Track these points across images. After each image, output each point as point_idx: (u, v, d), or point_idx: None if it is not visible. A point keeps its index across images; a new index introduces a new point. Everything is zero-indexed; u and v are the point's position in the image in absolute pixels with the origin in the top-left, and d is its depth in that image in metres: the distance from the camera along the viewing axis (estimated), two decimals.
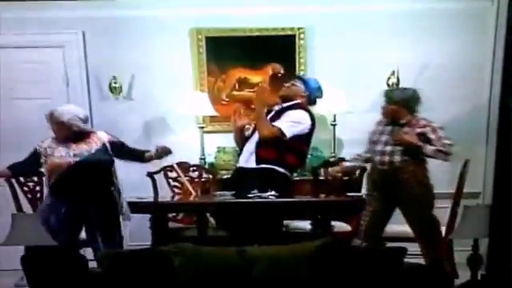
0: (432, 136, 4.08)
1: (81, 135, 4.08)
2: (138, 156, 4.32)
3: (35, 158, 4.06)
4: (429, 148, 4.05)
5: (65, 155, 4.00)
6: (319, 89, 4.49)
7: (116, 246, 4.12)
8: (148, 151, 4.33)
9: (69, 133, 4.05)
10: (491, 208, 3.58)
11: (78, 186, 4.01)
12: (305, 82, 4.48)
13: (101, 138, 4.15)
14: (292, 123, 4.28)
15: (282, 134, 4.22)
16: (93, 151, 4.05)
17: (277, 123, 4.28)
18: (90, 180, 4.03)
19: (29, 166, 4.13)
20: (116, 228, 4.17)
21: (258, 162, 4.27)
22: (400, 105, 4.18)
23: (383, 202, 4.24)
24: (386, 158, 4.15)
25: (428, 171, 4.21)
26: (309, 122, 4.33)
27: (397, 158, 4.13)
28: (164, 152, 4.32)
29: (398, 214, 4.36)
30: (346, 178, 4.70)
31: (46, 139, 4.09)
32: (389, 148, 4.15)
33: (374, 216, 4.25)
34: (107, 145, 4.14)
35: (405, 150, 4.10)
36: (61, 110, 4.06)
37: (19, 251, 3.71)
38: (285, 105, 4.41)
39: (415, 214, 4.18)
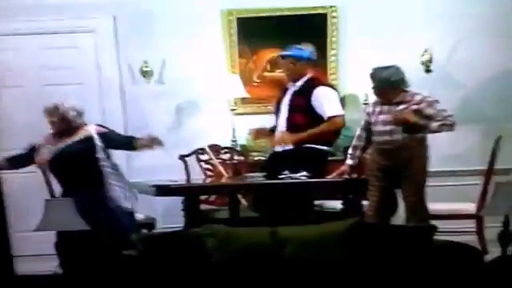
0: (430, 111, 3.96)
1: (73, 129, 4.08)
2: (126, 143, 4.19)
3: (31, 152, 4.06)
4: (433, 125, 3.94)
5: (47, 152, 4.01)
6: (310, 52, 4.49)
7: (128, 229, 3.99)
8: (137, 138, 4.15)
9: (66, 127, 4.07)
10: None
11: (63, 179, 4.04)
12: (292, 55, 4.46)
13: (87, 130, 4.10)
14: (331, 102, 4.37)
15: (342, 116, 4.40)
16: (69, 144, 4.04)
17: (320, 109, 4.31)
18: (70, 172, 4.01)
19: (24, 161, 4.12)
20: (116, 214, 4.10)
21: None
22: (385, 85, 4.05)
23: (385, 185, 4.11)
24: (387, 138, 4.03)
25: (428, 146, 4.10)
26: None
27: (398, 137, 4.00)
28: (154, 142, 4.12)
29: (429, 193, 4.28)
30: None
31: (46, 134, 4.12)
32: (388, 127, 4.03)
33: (379, 204, 4.13)
34: (94, 137, 4.06)
35: (405, 128, 3.98)
36: (67, 105, 4.06)
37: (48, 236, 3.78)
38: (299, 83, 4.41)
39: (414, 189, 4.06)
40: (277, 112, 4.57)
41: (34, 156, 4.02)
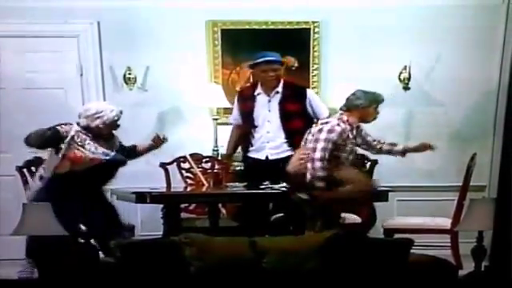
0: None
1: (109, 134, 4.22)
2: (132, 152, 4.41)
3: (55, 137, 4.04)
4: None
5: (95, 151, 4.08)
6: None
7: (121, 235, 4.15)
8: (136, 145, 4.46)
9: (108, 132, 4.18)
10: (496, 201, 3.58)
11: (95, 180, 4.11)
12: (276, 60, 4.51)
13: (117, 139, 4.29)
14: (321, 102, 4.58)
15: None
16: (114, 151, 4.19)
17: (318, 110, 4.41)
18: (106, 177, 4.19)
19: (45, 142, 4.06)
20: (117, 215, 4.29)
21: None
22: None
23: None
24: None
25: None
26: None
27: None
28: (160, 141, 4.43)
29: (404, 207, 4.37)
30: None
31: (70, 124, 4.10)
32: None
33: None
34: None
35: None
36: (116, 111, 4.17)
37: (21, 241, 3.75)
38: (279, 89, 4.48)
39: None
40: (250, 123, 4.54)
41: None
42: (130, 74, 5.36)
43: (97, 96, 5.38)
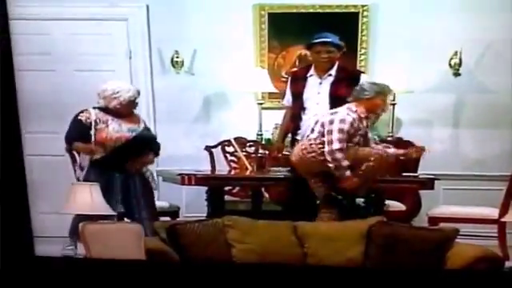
0: None
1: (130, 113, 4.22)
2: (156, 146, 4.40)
3: (82, 128, 4.11)
4: None
5: (119, 130, 4.11)
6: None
7: (154, 215, 4.21)
8: None
9: (127, 111, 4.17)
10: None
11: (129, 159, 4.11)
12: (334, 42, 4.36)
13: (140, 118, 4.32)
14: None
15: None
16: (141, 128, 4.21)
17: None
18: (139, 154, 4.16)
19: (75, 137, 4.15)
20: (153, 197, 4.32)
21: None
22: None
23: None
24: None
25: None
26: None
27: None
28: None
29: (451, 196, 4.29)
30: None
31: (86, 111, 4.15)
32: None
33: None
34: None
35: None
36: (132, 90, 4.19)
37: (67, 219, 3.84)
38: (333, 72, 4.36)
39: None
40: (300, 105, 4.44)
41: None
42: (177, 57, 5.41)
43: (145, 79, 5.45)
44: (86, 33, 5.39)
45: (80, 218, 3.67)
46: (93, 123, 4.10)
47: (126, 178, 4.12)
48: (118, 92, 4.13)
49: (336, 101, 4.25)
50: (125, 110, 4.17)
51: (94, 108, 4.18)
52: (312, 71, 4.42)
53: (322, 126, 3.92)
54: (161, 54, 5.49)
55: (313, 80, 4.39)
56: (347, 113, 3.91)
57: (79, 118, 4.13)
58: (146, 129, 4.30)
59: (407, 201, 4.61)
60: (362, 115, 3.95)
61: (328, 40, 4.32)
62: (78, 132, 4.13)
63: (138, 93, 4.26)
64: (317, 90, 4.36)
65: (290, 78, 4.64)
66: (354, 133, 3.90)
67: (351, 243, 3.45)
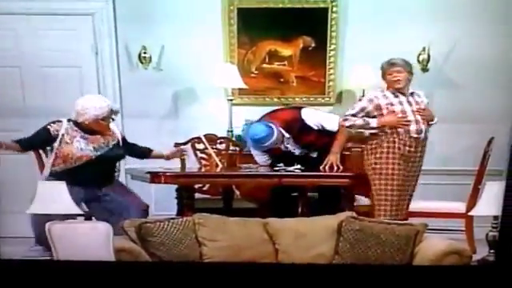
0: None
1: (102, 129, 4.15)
2: (144, 153, 4.45)
3: (47, 138, 4.04)
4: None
5: (84, 148, 4.04)
6: None
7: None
8: (152, 150, 4.47)
9: (99, 128, 4.10)
10: (506, 185, 3.55)
11: (91, 176, 4.04)
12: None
13: (115, 133, 4.23)
14: None
15: None
16: (110, 146, 4.14)
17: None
18: (103, 171, 4.13)
19: (37, 145, 4.11)
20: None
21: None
22: (411, 73, 4.26)
23: (407, 173, 4.18)
24: (420, 127, 4.16)
25: None
26: None
27: (424, 127, 4.19)
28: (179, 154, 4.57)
29: (420, 191, 4.34)
30: None
31: (59, 122, 4.07)
32: (414, 117, 4.17)
33: (402, 192, 4.19)
34: (120, 141, 4.23)
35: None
36: (103, 108, 4.08)
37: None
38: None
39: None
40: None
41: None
42: (145, 53, 5.33)
43: (112, 75, 5.37)
44: (52, 28, 5.28)
45: (38, 220, 3.59)
46: (59, 136, 4.03)
47: (90, 189, 4.06)
48: (86, 109, 4.05)
49: None
50: (95, 127, 4.10)
51: (69, 120, 4.10)
52: None
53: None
54: (128, 49, 5.42)
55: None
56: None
57: (48, 127, 4.06)
58: (117, 146, 4.21)
59: None
60: (385, 90, 4.29)
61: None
62: (40, 141, 4.07)
63: (113, 111, 4.16)
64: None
65: None
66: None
67: (322, 239, 3.46)
